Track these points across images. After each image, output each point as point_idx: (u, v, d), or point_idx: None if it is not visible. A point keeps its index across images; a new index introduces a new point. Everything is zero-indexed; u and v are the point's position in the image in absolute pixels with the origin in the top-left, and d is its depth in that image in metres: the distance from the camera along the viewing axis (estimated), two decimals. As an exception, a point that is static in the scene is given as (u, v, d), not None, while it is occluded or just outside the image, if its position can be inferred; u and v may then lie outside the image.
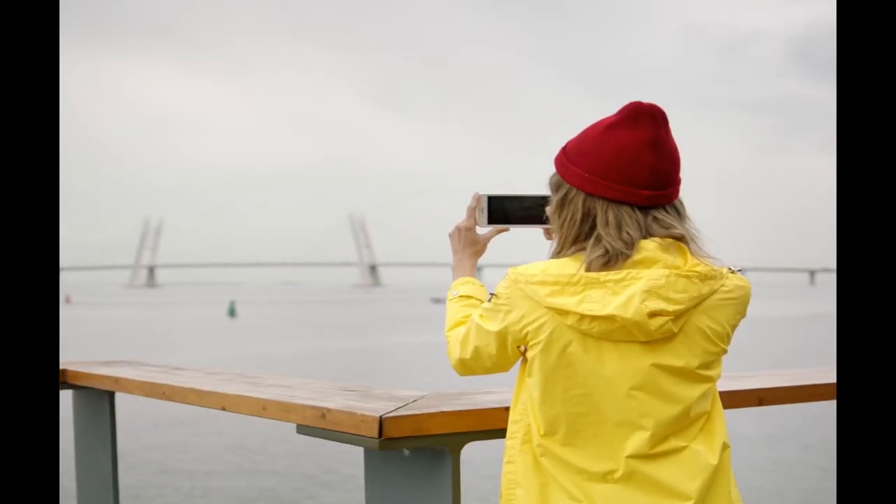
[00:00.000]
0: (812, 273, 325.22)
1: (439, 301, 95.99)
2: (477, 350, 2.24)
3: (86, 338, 40.46)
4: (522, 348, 2.16)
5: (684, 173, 2.18)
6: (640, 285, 2.02)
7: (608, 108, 2.20)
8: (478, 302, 2.43)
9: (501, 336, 2.17)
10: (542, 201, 2.43)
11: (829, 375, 3.45)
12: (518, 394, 2.21)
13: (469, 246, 2.60)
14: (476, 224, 2.59)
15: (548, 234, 2.47)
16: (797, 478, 12.17)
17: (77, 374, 4.00)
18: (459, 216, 2.61)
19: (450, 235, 2.62)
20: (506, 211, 2.56)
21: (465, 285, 2.50)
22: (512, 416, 2.21)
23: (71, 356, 4.85)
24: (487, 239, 2.61)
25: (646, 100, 2.16)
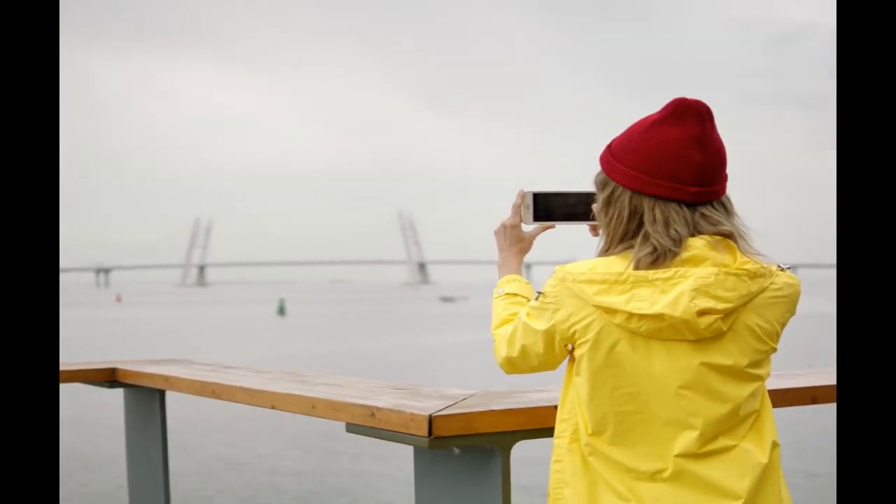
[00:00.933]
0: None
1: (448, 300, 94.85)
2: (524, 349, 2.23)
3: (136, 337, 40.84)
4: (570, 347, 2.15)
5: (732, 169, 2.16)
6: (689, 283, 2.00)
7: (654, 104, 2.18)
8: (524, 300, 2.41)
9: (549, 335, 2.16)
10: (588, 198, 2.42)
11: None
12: (566, 393, 2.20)
13: (515, 243, 2.58)
14: (521, 221, 2.57)
15: (594, 230, 2.45)
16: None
17: (127, 373, 4.03)
18: (507, 214, 2.59)
19: (495, 233, 2.60)
20: (551, 208, 2.54)
21: (511, 283, 2.49)
22: (560, 415, 2.20)
23: (122, 355, 4.91)
24: (533, 236, 2.60)
25: (693, 94, 2.14)
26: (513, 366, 2.30)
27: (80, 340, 37.71)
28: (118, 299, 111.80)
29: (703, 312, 1.99)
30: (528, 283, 2.48)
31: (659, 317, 2.00)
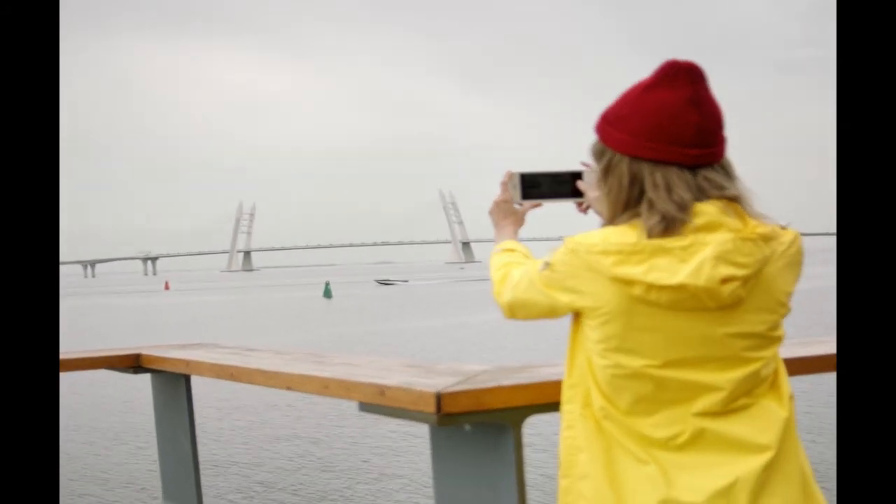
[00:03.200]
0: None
1: (385, 283, 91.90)
2: (526, 301, 2.22)
3: (182, 324, 41.09)
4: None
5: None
6: (709, 251, 1.96)
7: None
8: (521, 256, 2.41)
9: (554, 302, 2.13)
10: (574, 177, 2.49)
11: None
12: (573, 357, 2.16)
13: (508, 216, 2.59)
14: (510, 199, 2.61)
15: (580, 207, 2.47)
16: None
17: (151, 358, 4.07)
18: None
19: (490, 213, 2.62)
20: (539, 187, 2.58)
21: (507, 244, 2.50)
22: (568, 381, 2.16)
23: (167, 342, 4.93)
24: (524, 211, 2.61)
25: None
26: (513, 312, 2.28)
27: (129, 328, 38.08)
28: (166, 287, 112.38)
29: (725, 280, 1.96)
30: (524, 247, 2.49)
31: (681, 287, 1.96)
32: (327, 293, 66.72)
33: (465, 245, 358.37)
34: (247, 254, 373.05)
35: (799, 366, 2.89)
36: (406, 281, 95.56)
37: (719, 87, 2.12)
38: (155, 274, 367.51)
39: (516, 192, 2.59)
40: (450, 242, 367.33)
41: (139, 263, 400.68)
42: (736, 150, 2.13)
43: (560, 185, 2.55)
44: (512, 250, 2.45)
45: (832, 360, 2.99)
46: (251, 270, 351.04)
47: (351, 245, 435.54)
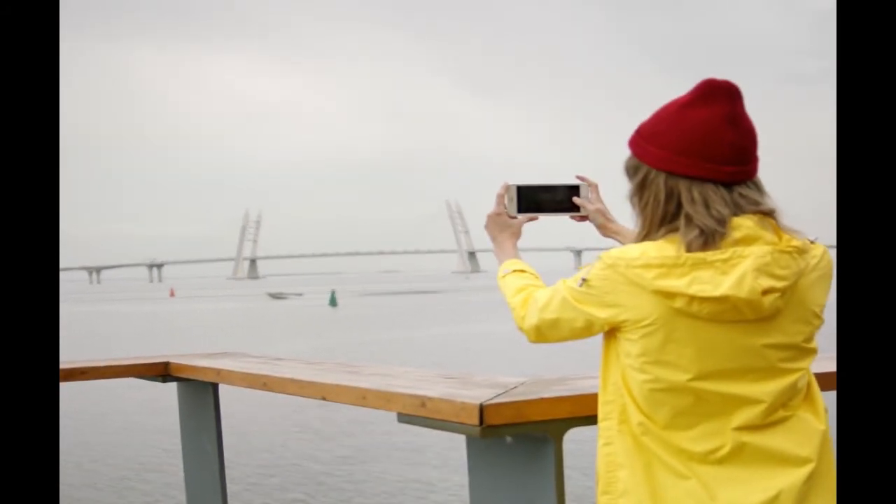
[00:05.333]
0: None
1: (278, 297, 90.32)
2: (558, 321, 2.21)
3: (189, 331, 41.11)
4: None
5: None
6: (749, 263, 1.99)
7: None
8: (532, 276, 2.44)
9: (591, 318, 2.13)
10: (570, 191, 2.59)
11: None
12: (607, 373, 2.17)
13: (505, 229, 2.63)
14: (506, 212, 2.64)
15: (579, 219, 2.58)
16: None
17: (180, 367, 4.06)
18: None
19: (486, 227, 2.66)
20: (535, 200, 2.64)
21: (514, 264, 2.52)
22: (604, 398, 2.18)
23: (175, 349, 4.95)
24: (520, 223, 2.64)
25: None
26: (540, 335, 2.28)
27: (135, 335, 38.07)
28: (172, 294, 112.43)
29: (766, 291, 1.99)
30: (531, 266, 2.51)
31: (723, 299, 1.99)
32: (332, 302, 66.69)
33: (471, 255, 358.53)
34: (252, 261, 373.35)
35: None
36: (301, 294, 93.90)
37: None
38: (161, 281, 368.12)
39: (512, 205, 2.63)
40: (456, 252, 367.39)
41: (145, 270, 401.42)
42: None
43: (557, 199, 2.62)
44: (523, 271, 2.47)
45: (832, 377, 2.97)
46: (257, 278, 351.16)
47: (357, 253, 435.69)
